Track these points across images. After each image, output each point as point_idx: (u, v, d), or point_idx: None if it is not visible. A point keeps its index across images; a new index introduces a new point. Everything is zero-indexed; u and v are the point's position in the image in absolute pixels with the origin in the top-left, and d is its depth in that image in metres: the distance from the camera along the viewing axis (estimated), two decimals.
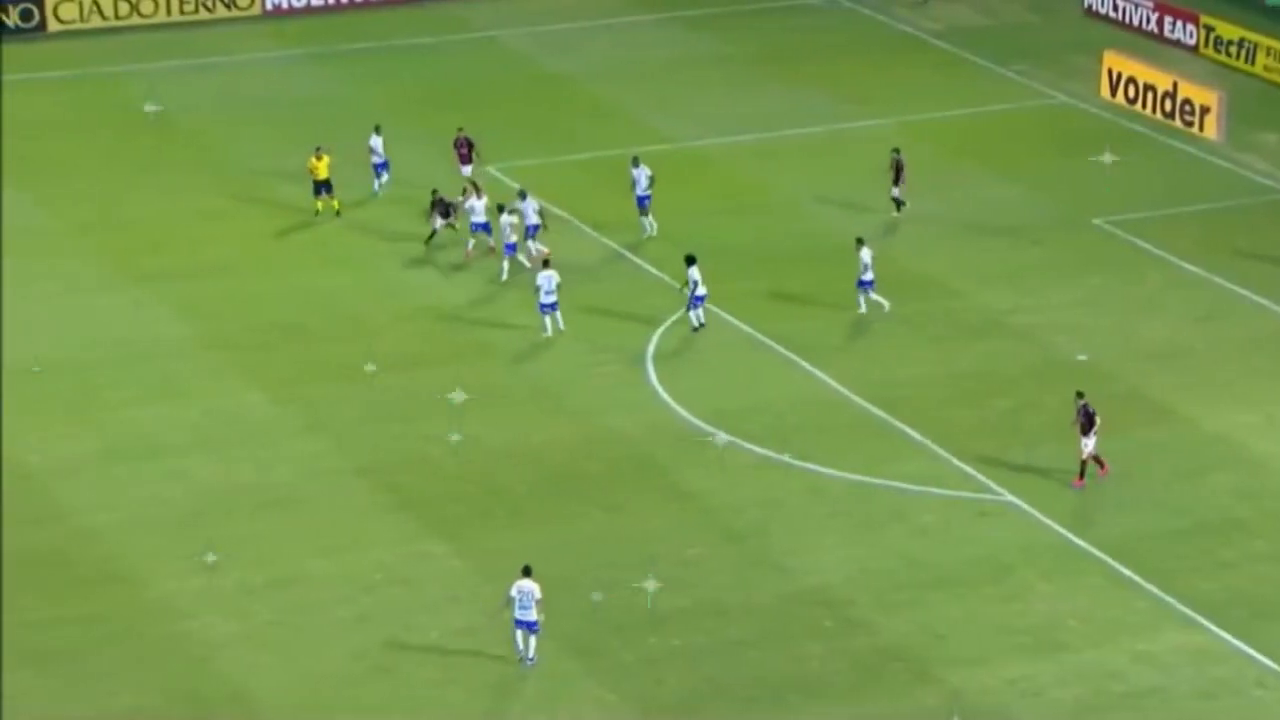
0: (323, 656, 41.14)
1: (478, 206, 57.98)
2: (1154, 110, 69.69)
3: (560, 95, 71.91)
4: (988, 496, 47.23)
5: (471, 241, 57.94)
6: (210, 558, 42.47)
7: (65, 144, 67.48)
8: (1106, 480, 47.11)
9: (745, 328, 54.81)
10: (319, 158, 60.18)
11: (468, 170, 61.60)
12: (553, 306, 53.65)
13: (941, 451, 48.85)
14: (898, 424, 50.11)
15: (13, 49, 74.56)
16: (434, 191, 58.78)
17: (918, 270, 58.52)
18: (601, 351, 53.54)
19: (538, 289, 53.59)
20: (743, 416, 50.26)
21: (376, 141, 62.37)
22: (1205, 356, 53.84)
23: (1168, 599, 43.36)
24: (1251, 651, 41.71)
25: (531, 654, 40.79)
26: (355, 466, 48.04)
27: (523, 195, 57.68)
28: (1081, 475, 47.08)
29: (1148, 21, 76.92)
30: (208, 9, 78.37)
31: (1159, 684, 40.78)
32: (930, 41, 77.43)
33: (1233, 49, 73.82)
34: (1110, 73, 71.37)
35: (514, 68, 74.59)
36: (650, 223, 59.80)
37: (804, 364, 53.13)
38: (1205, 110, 68.23)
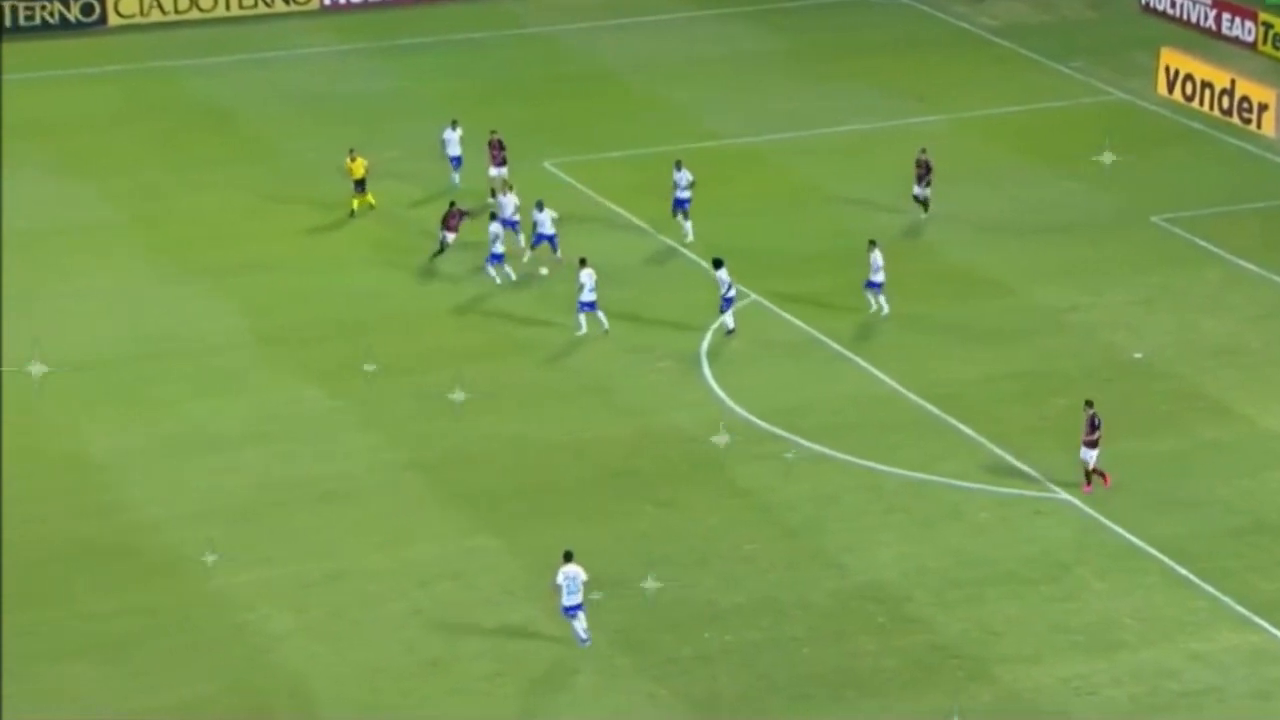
0: (378, 650, 41.29)
1: (506, 204, 57.84)
2: (1211, 107, 69.41)
3: (612, 91, 71.98)
4: (1044, 495, 47.10)
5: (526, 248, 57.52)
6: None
7: (125, 138, 67.92)
8: (1112, 489, 46.65)
9: (800, 324, 54.76)
10: (353, 159, 60.43)
11: (500, 171, 61.35)
12: (592, 305, 53.61)
13: (998, 449, 48.73)
14: (954, 421, 50.00)
15: (74, 43, 75.11)
16: (451, 203, 58.17)
17: (974, 268, 58.40)
18: (654, 347, 53.55)
19: (580, 287, 53.58)
20: (798, 413, 50.23)
21: (450, 135, 62.44)
22: (1263, 354, 53.57)
23: (1224, 598, 43.17)
24: None
25: (585, 634, 41.02)
26: (410, 461, 48.19)
27: (540, 206, 57.04)
28: (1089, 480, 46.74)
29: (1205, 18, 76.60)
30: (266, 4, 78.78)
31: (1215, 684, 40.61)
32: (987, 38, 77.25)
33: None
34: (1168, 69, 71.09)
35: (565, 63, 74.71)
36: (688, 227, 59.45)
37: (860, 361, 53.07)
38: (1263, 107, 67.90)
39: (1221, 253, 59.26)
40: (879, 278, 54.67)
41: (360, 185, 60.48)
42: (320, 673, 40.57)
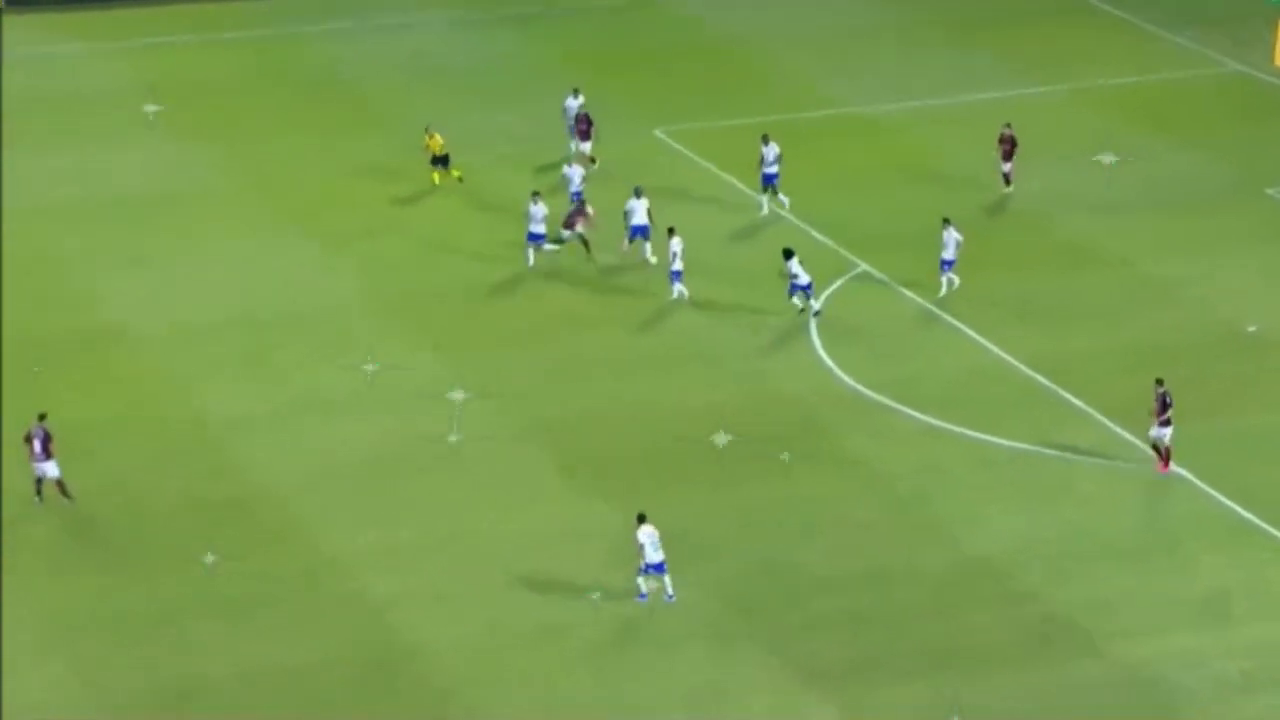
0: (491, 614, 41.76)
1: (574, 175, 57.74)
2: None
3: (729, 59, 71.98)
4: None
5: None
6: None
7: (245, 104, 68.48)
8: (1095, 490, 46.28)
9: (912, 295, 54.80)
10: (430, 136, 60.64)
11: (586, 146, 61.33)
12: (678, 275, 53.67)
13: (1109, 422, 48.69)
14: (1065, 394, 49.98)
15: (195, 10, 75.80)
16: (581, 201, 56.56)
17: (1087, 240, 58.23)
18: (765, 316, 53.70)
19: (672, 256, 53.72)
20: (908, 384, 50.31)
21: (571, 103, 62.80)
22: None
23: None
24: None
25: (670, 590, 41.54)
26: (524, 426, 48.59)
27: (637, 193, 56.27)
28: (1165, 460, 46.42)
29: None
30: None
31: None
32: (1102, 7, 76.73)
33: None
34: None
35: (683, 31, 74.74)
36: (764, 200, 58.95)
37: (970, 332, 53.08)
38: None
39: None
40: (950, 255, 53.96)
41: (441, 161, 60.63)
42: (435, 636, 41.08)
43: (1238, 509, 45.33)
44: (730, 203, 60.19)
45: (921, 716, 38.85)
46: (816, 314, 53.02)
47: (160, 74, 70.24)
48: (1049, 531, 44.59)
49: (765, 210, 58.99)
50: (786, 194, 59.50)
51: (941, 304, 54.11)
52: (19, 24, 73.73)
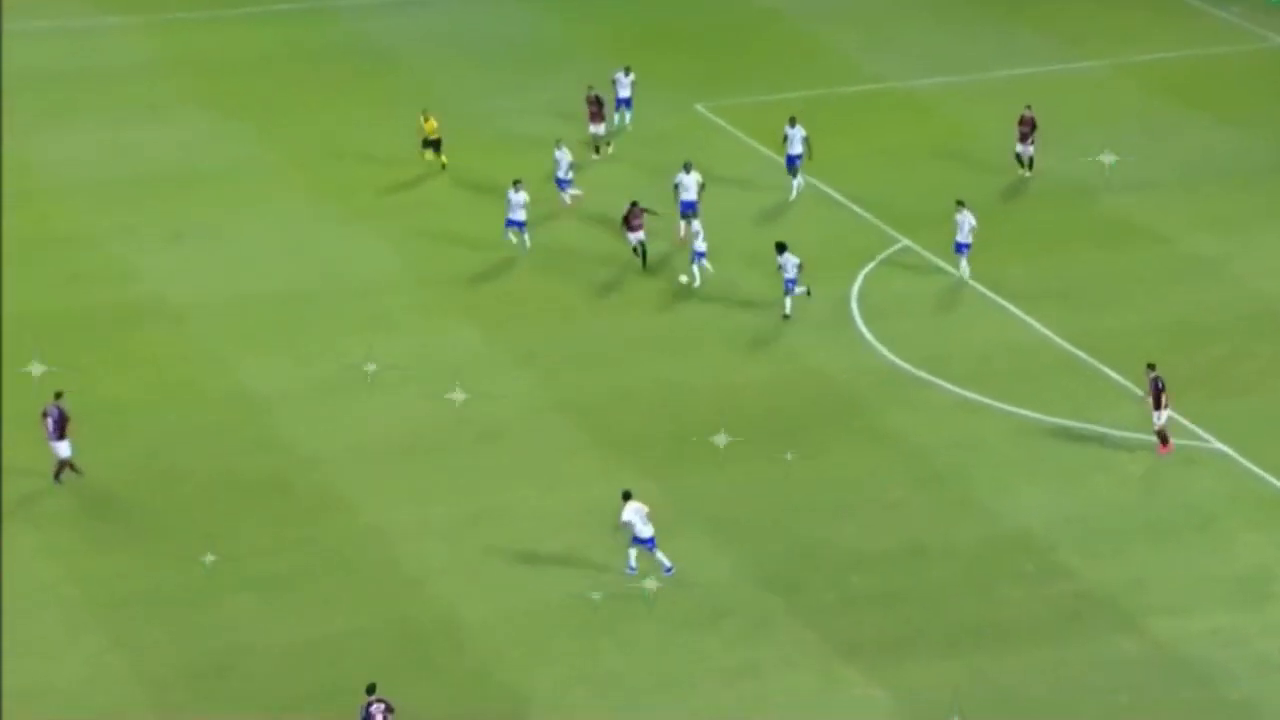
0: (528, 588, 41.91)
1: (562, 160, 57.50)
2: None
3: (770, 34, 71.94)
4: (1196, 444, 46.90)
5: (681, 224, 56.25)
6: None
7: (285, 78, 68.78)
8: (1134, 466, 46.15)
9: (953, 271, 54.70)
10: (426, 119, 60.38)
11: (597, 128, 61.17)
12: (702, 255, 53.47)
13: (1150, 398, 48.53)
14: (1104, 369, 49.87)
15: None
16: (633, 203, 54.55)
17: (1128, 216, 58.08)
18: (806, 288, 53.66)
19: (695, 235, 53.54)
20: (947, 360, 50.27)
21: (622, 78, 62.69)
22: None
23: None
24: None
25: (668, 562, 41.78)
26: (563, 403, 48.69)
27: (687, 168, 55.84)
28: (1165, 442, 46.25)
29: None
30: None
31: None
32: None
33: None
34: None
35: (726, 6, 74.73)
36: (798, 184, 58.59)
37: (1010, 307, 53.00)
38: None
39: None
40: (964, 238, 53.44)
41: (434, 145, 60.24)
42: (472, 610, 41.24)
43: (1278, 485, 45.17)
44: (770, 179, 60.08)
45: (960, 693, 38.70)
46: (806, 293, 52.33)
47: (193, 49, 70.48)
48: (1086, 508, 44.52)
49: (795, 193, 58.69)
50: (821, 175, 59.32)
51: (982, 280, 53.99)
52: None
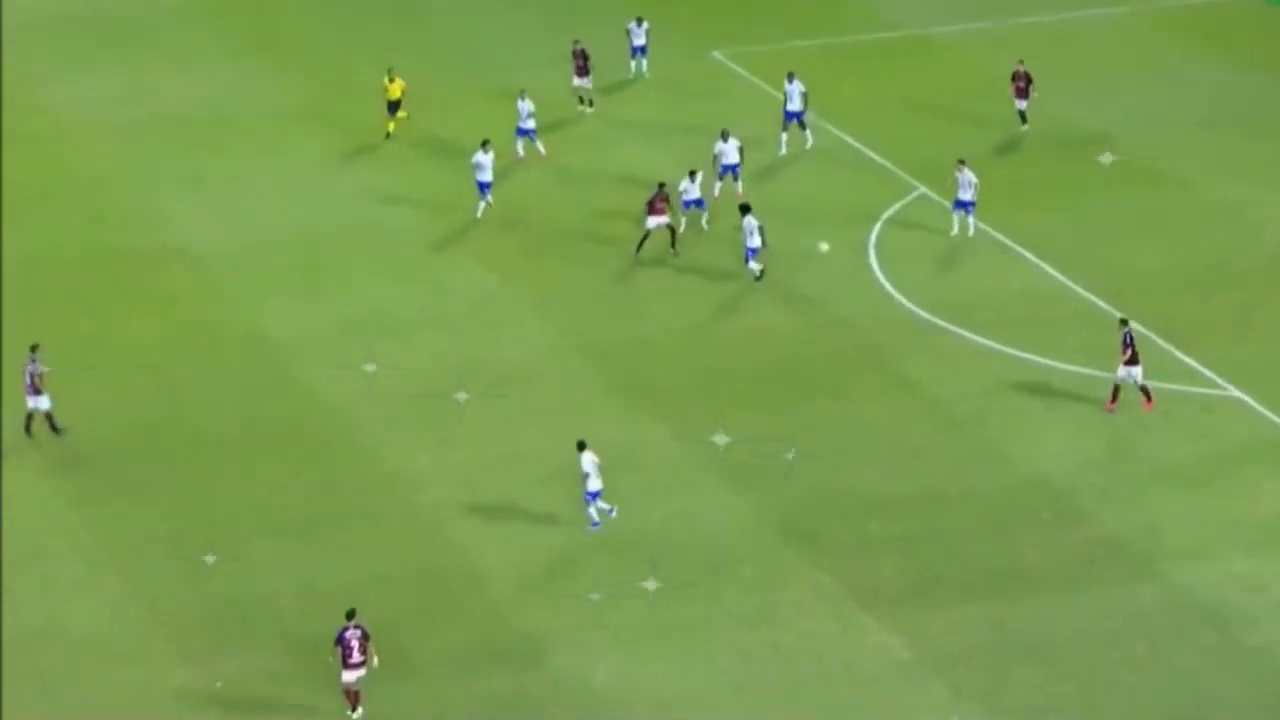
0: (548, 532, 42.06)
1: (523, 110, 57.11)
2: None
3: None
4: (1214, 392, 46.92)
5: (718, 184, 55.44)
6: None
7: (306, 23, 68.71)
8: (1152, 413, 46.00)
9: (971, 219, 54.59)
10: (391, 80, 59.49)
11: (583, 82, 60.75)
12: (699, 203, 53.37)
13: (1167, 345, 48.58)
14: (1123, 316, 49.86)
15: None
16: (661, 185, 53.07)
17: (1148, 162, 58.02)
18: (824, 240, 53.58)
19: (681, 192, 53.26)
20: (966, 308, 50.32)
21: (635, 28, 62.47)
22: None
23: None
24: None
25: (598, 519, 41.83)
26: (583, 347, 48.82)
27: (724, 136, 55.05)
28: (1114, 398, 45.96)
29: None
30: None
31: None
32: None
33: None
34: None
35: None
36: (784, 139, 57.87)
37: (1029, 256, 52.97)
38: None
39: None
40: (967, 196, 53.02)
41: (395, 106, 59.29)
42: (491, 554, 41.41)
43: None
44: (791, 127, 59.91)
45: (978, 639, 38.93)
46: (758, 278, 51.28)
47: None
48: (1105, 454, 44.60)
49: (783, 150, 58.16)
50: (838, 122, 59.18)
51: (999, 228, 53.93)
52: None
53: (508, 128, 58.49)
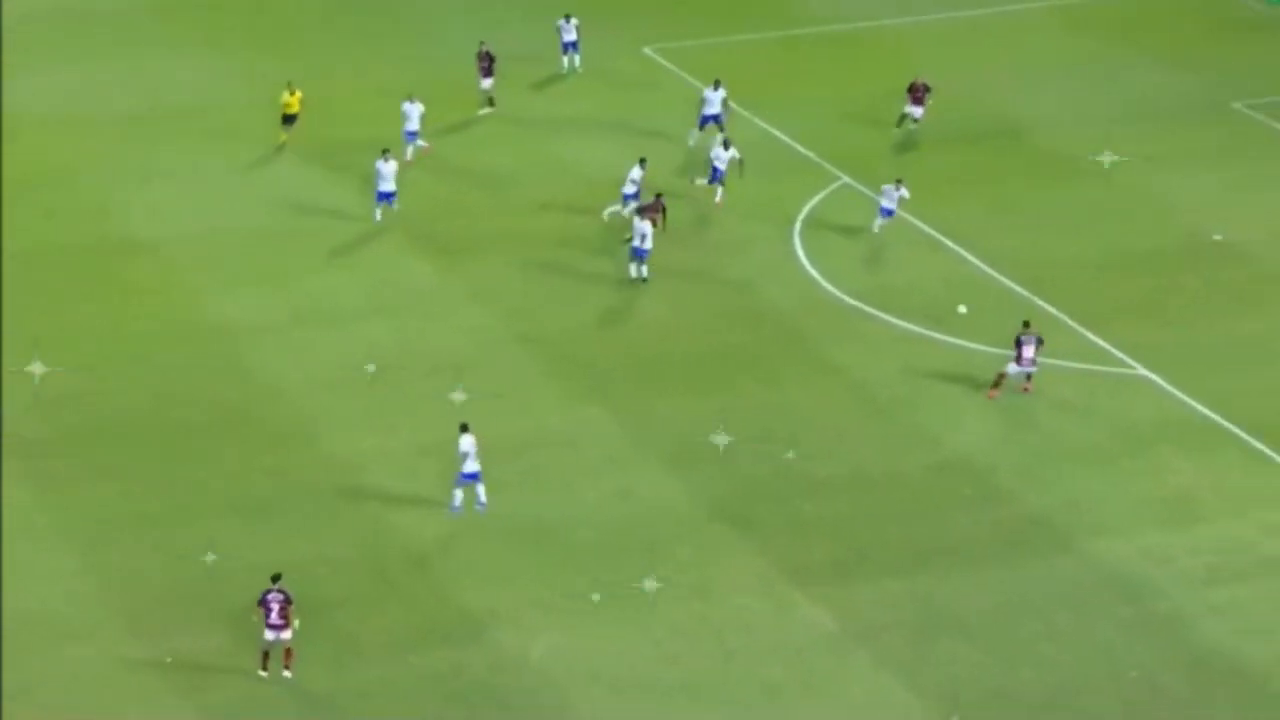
0: (488, 516, 42.86)
1: (412, 112, 57.25)
2: None
3: None
4: (1127, 372, 48.38)
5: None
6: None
7: (268, 17, 68.62)
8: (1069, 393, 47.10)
9: (881, 221, 55.59)
10: (291, 93, 58.92)
11: (487, 84, 61.08)
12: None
13: (1081, 328, 50.02)
14: (1039, 301, 51.25)
15: None
16: (657, 195, 53.32)
17: (1063, 151, 59.35)
18: (751, 227, 54.75)
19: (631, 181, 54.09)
20: (888, 293, 51.49)
21: (565, 25, 63.26)
22: None
23: None
24: None
25: (483, 498, 42.66)
26: (518, 334, 49.63)
27: (725, 144, 55.32)
28: (997, 385, 47.20)
29: None
30: None
31: None
32: None
33: None
34: None
35: None
36: (695, 135, 58.15)
37: (948, 243, 54.22)
38: None
39: None
40: (891, 205, 53.61)
41: (290, 120, 58.56)
42: (433, 536, 42.23)
43: (1206, 411, 46.69)
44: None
45: (903, 613, 40.12)
46: (643, 280, 51.79)
47: None
48: (1023, 434, 45.93)
49: (692, 142, 58.37)
50: (763, 114, 59.92)
51: (921, 217, 55.17)
52: None
53: (459, 118, 58.21)
